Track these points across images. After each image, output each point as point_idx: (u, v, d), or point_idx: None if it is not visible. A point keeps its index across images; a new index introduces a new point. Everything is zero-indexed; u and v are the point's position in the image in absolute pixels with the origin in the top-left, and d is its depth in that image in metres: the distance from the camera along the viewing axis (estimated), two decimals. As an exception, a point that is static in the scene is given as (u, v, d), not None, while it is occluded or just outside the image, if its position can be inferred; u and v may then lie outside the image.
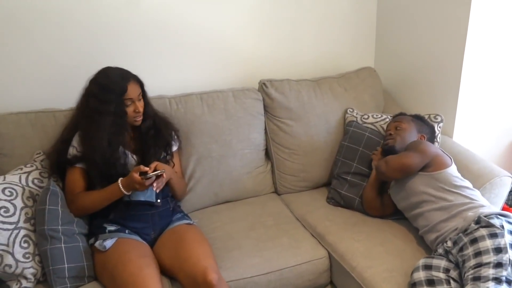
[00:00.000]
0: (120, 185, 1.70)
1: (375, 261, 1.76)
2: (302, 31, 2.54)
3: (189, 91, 2.24)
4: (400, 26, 2.51)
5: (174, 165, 1.99)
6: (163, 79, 2.34)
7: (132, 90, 1.76)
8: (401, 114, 2.14)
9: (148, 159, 1.83)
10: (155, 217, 1.84)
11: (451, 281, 1.56)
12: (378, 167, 1.90)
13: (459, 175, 1.81)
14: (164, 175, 1.72)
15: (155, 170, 1.68)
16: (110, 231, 1.75)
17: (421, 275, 1.59)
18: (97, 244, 1.70)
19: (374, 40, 2.72)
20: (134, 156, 1.85)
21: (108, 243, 1.69)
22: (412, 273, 1.63)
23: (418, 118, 2.07)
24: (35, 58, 2.10)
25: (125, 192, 1.71)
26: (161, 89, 2.23)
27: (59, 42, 2.11)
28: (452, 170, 1.80)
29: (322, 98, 2.35)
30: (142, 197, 1.80)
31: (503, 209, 2.10)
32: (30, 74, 2.11)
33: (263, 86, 2.31)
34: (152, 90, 2.18)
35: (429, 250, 1.79)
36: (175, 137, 2.03)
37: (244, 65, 2.48)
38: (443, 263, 1.61)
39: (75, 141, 1.80)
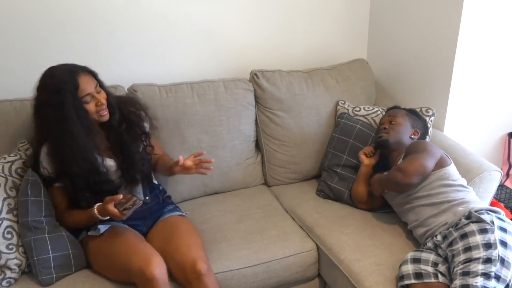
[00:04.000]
0: (97, 213, 1.60)
1: (363, 254, 1.76)
2: (294, 22, 2.52)
3: (180, 80, 2.22)
4: (393, 18, 2.48)
5: (153, 148, 1.87)
6: (154, 68, 2.31)
7: (86, 84, 1.58)
8: (395, 107, 2.12)
9: (130, 158, 1.73)
10: (146, 213, 1.82)
11: (439, 275, 1.56)
12: (393, 178, 1.75)
13: (457, 173, 1.81)
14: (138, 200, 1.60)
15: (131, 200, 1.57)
16: (101, 222, 1.71)
17: (409, 268, 1.59)
18: (90, 232, 1.68)
19: (367, 32, 2.70)
20: (112, 160, 1.73)
21: (102, 227, 1.67)
22: (400, 266, 1.63)
23: (412, 113, 2.06)
24: (22, 45, 2.06)
25: (103, 219, 1.61)
26: (152, 78, 2.21)
27: (48, 31, 2.08)
28: (452, 168, 1.79)
29: (314, 89, 2.33)
30: None
31: (492, 203, 2.11)
32: (16, 61, 2.07)
33: (254, 77, 2.28)
34: (142, 79, 2.18)
35: (417, 244, 1.79)
36: (146, 117, 1.87)
37: (236, 56, 2.45)
38: (431, 257, 1.61)
39: (44, 162, 1.64)
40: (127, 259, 1.55)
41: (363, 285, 1.64)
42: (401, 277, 1.60)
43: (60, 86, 1.54)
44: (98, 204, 1.61)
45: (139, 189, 1.80)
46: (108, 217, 1.59)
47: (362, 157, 2.03)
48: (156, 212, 1.87)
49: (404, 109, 2.08)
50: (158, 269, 1.51)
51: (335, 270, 1.81)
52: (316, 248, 1.92)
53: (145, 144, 1.83)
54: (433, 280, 1.56)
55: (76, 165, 1.60)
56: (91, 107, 1.60)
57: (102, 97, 1.64)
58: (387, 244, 1.80)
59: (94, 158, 1.64)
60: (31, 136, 1.77)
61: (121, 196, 1.54)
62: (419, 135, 1.99)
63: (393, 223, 1.93)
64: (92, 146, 1.63)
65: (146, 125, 1.86)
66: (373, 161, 2.02)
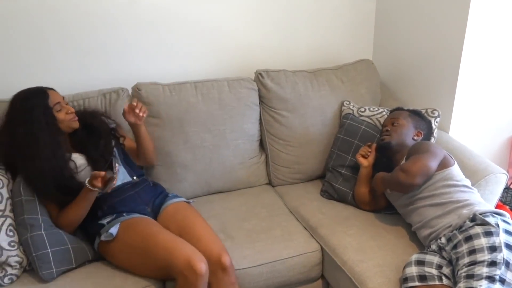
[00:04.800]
0: (88, 185, 1.65)
1: (366, 255, 1.75)
2: (300, 22, 2.51)
3: (184, 79, 2.21)
4: (399, 18, 2.47)
5: (124, 138, 1.96)
6: (158, 67, 2.32)
7: (55, 96, 1.73)
8: (398, 108, 2.11)
9: (93, 155, 1.79)
10: (141, 194, 1.85)
11: (443, 278, 1.55)
12: (396, 178, 1.74)
13: (461, 173, 1.79)
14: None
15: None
16: (108, 223, 1.73)
17: (413, 270, 1.58)
18: (102, 237, 1.69)
19: (372, 32, 2.69)
20: (81, 155, 1.79)
21: (113, 229, 1.68)
22: (404, 268, 1.62)
23: (415, 114, 2.04)
24: (25, 46, 2.07)
25: (98, 190, 1.67)
26: (156, 77, 2.21)
27: (51, 31, 2.09)
28: (455, 169, 1.78)
29: (319, 89, 2.32)
30: (119, 182, 1.79)
31: (497, 206, 2.09)
32: (19, 61, 2.08)
33: (259, 76, 2.27)
34: (146, 78, 2.18)
35: (421, 246, 1.78)
36: (108, 119, 1.96)
37: (241, 55, 2.45)
38: (436, 259, 1.60)
39: (22, 190, 1.66)
40: (169, 256, 1.57)
41: (366, 286, 1.63)
42: (404, 279, 1.58)
43: (30, 101, 1.67)
44: (88, 179, 1.66)
45: (122, 169, 1.85)
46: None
47: (360, 159, 2.02)
48: (151, 192, 1.90)
49: (407, 110, 2.07)
50: (205, 266, 1.56)
51: (338, 271, 1.80)
52: (320, 249, 1.91)
53: (116, 136, 1.93)
54: (437, 282, 1.54)
55: (50, 174, 1.64)
56: (61, 115, 1.72)
57: (70, 107, 1.78)
58: (391, 246, 1.79)
59: (62, 160, 1.69)
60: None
61: (103, 173, 1.63)
62: (422, 136, 1.98)
63: (397, 224, 1.92)
64: (61, 152, 1.70)
65: (111, 124, 1.95)
66: (371, 160, 2.02)
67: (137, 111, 1.79)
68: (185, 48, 2.33)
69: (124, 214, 1.76)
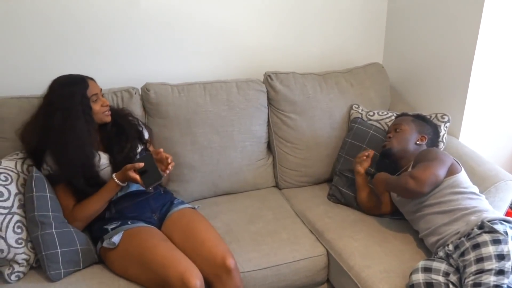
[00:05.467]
0: (116, 179, 1.69)
1: (372, 261, 1.74)
2: (310, 24, 2.50)
3: (193, 80, 2.21)
4: (410, 22, 2.45)
5: (150, 145, 1.97)
6: (167, 68, 2.32)
7: (94, 86, 1.75)
8: (403, 114, 2.10)
9: (116, 158, 1.79)
10: (150, 201, 1.85)
11: (450, 286, 1.53)
12: (404, 184, 1.70)
13: (468, 180, 1.77)
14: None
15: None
16: (112, 229, 1.74)
17: (420, 277, 1.57)
18: (104, 243, 1.69)
19: (383, 36, 2.67)
20: (105, 154, 1.80)
21: (116, 238, 1.68)
22: (410, 274, 1.60)
23: (419, 118, 2.03)
24: (34, 44, 2.09)
25: (122, 184, 1.71)
26: (166, 78, 2.21)
27: (62, 30, 2.10)
28: (463, 175, 1.76)
29: (328, 92, 2.31)
30: (134, 187, 1.81)
31: (507, 214, 2.06)
32: (28, 59, 2.10)
33: (268, 78, 2.27)
34: (156, 78, 2.18)
35: (428, 252, 1.76)
36: (142, 125, 1.98)
37: (250, 57, 2.45)
38: (443, 266, 1.58)
39: (49, 162, 1.71)
40: (164, 271, 1.56)
41: (372, 292, 1.62)
42: (411, 286, 1.57)
43: (70, 87, 1.69)
44: (115, 173, 1.70)
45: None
46: (126, 183, 1.71)
47: (357, 167, 2.01)
48: (160, 200, 1.89)
49: (411, 115, 2.05)
50: (199, 282, 1.54)
51: (344, 276, 1.79)
52: (326, 253, 1.90)
53: (144, 143, 1.92)
54: None
55: (77, 159, 1.67)
56: (96, 106, 1.74)
57: (106, 100, 1.80)
58: (397, 252, 1.78)
59: (91, 151, 1.73)
60: (29, 137, 1.76)
61: (142, 164, 1.65)
62: (427, 140, 1.96)
63: (404, 231, 1.91)
64: (91, 142, 1.73)
65: (141, 130, 1.95)
66: (365, 164, 2.01)
67: (169, 161, 1.73)
68: (194, 49, 2.34)
69: (129, 222, 1.76)
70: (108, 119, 1.79)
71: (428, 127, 2.00)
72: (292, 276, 1.83)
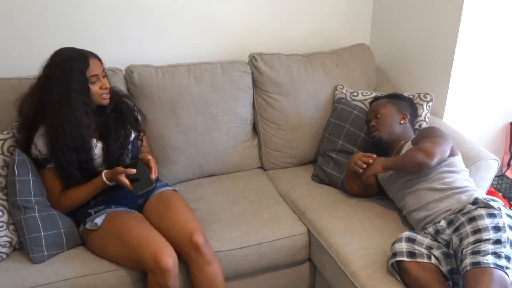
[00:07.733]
0: (105, 179, 1.67)
1: (352, 238, 1.76)
2: (297, 6, 2.48)
3: (178, 62, 2.20)
4: (396, 3, 2.44)
5: (144, 134, 1.95)
6: (152, 50, 2.30)
7: (95, 66, 1.66)
8: (375, 99, 2.09)
9: (110, 145, 1.74)
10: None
11: (432, 257, 1.55)
12: (414, 157, 1.68)
13: (463, 164, 1.79)
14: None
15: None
16: (95, 212, 1.74)
17: (403, 246, 1.57)
18: (87, 225, 1.70)
19: (370, 18, 2.66)
20: (99, 143, 1.75)
21: (98, 220, 1.68)
22: (393, 243, 1.60)
23: (392, 97, 2.03)
24: (20, 26, 2.07)
25: (110, 184, 1.69)
26: (150, 59, 2.19)
27: (46, 11, 2.09)
28: (459, 158, 1.79)
29: (313, 73, 2.31)
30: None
31: (489, 193, 2.08)
32: (14, 41, 2.09)
33: (252, 60, 2.26)
34: (140, 60, 2.17)
35: (410, 229, 1.77)
36: (137, 110, 1.93)
37: (235, 38, 2.43)
38: (427, 240, 1.59)
39: (38, 142, 1.66)
40: (139, 251, 1.58)
41: (350, 269, 1.64)
42: (393, 254, 1.57)
43: (70, 63, 1.61)
44: (105, 171, 1.68)
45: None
46: (114, 183, 1.68)
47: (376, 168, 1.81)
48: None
49: (384, 96, 2.05)
50: (172, 260, 1.56)
51: (324, 254, 1.81)
52: (307, 232, 1.91)
53: (138, 130, 1.88)
54: (426, 260, 1.54)
55: (71, 140, 1.62)
56: (95, 88, 1.67)
57: (107, 82, 1.72)
58: (378, 229, 1.80)
59: (87, 134, 1.68)
60: (24, 115, 1.72)
61: (134, 171, 1.62)
62: (408, 117, 1.97)
63: (385, 209, 1.92)
64: (87, 124, 1.67)
65: (137, 116, 1.91)
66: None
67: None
68: (179, 31, 2.32)
69: (112, 207, 1.76)
70: (106, 102, 1.72)
71: (404, 103, 2.01)
72: (273, 254, 1.85)
